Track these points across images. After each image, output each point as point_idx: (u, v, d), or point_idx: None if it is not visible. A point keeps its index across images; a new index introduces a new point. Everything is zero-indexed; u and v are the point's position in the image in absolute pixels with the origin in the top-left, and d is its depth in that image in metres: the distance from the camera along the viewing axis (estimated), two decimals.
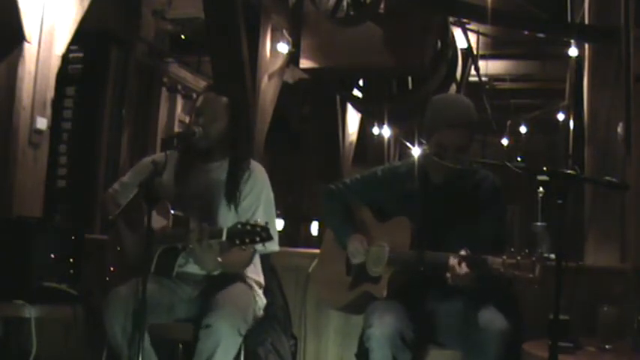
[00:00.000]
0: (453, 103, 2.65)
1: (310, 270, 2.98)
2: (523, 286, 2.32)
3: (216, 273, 2.66)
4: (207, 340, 2.44)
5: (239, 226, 2.41)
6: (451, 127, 2.53)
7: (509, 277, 2.26)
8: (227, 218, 2.71)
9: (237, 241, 2.40)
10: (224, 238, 2.44)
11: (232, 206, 2.73)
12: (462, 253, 2.36)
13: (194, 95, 9.25)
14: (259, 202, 2.76)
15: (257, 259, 2.84)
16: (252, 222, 2.41)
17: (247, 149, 2.88)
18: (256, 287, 2.79)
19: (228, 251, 2.55)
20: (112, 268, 2.78)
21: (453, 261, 2.35)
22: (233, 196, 2.73)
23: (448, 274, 2.36)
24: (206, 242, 2.49)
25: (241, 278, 2.74)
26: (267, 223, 2.42)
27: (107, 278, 2.74)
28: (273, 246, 2.69)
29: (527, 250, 2.24)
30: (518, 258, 2.24)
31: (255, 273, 2.82)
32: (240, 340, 2.51)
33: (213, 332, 2.43)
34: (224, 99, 2.78)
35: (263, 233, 2.39)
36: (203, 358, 2.44)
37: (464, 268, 2.34)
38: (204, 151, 2.77)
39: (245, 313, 2.58)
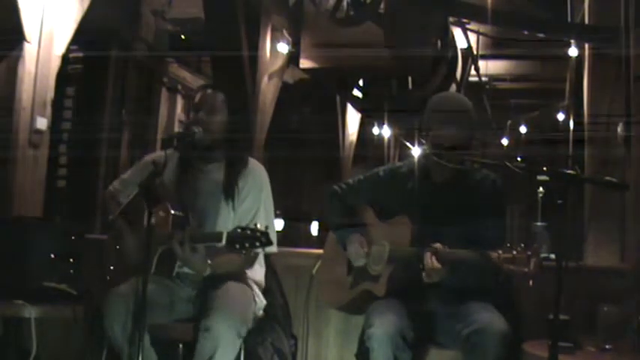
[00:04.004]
0: (449, 101, 2.66)
1: (314, 271, 2.98)
2: (518, 281, 2.33)
3: (205, 274, 2.63)
4: (206, 343, 2.43)
5: (239, 230, 2.41)
6: (446, 124, 2.53)
7: (505, 271, 2.28)
8: (227, 219, 2.70)
9: (237, 246, 2.40)
10: (224, 242, 2.43)
11: (231, 205, 2.72)
12: (434, 247, 2.40)
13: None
14: (259, 203, 2.75)
15: (261, 260, 2.84)
16: (252, 226, 2.41)
17: (246, 147, 2.87)
18: (256, 288, 2.78)
19: (220, 253, 2.55)
20: (112, 268, 2.78)
21: (426, 256, 2.39)
22: (231, 193, 2.72)
23: (422, 271, 2.41)
24: (188, 246, 2.50)
25: (241, 278, 2.74)
26: (267, 227, 2.42)
27: (108, 278, 2.73)
28: (272, 248, 2.69)
29: (522, 245, 2.25)
30: (514, 253, 2.25)
31: (256, 273, 2.81)
32: (239, 342, 2.50)
33: (213, 335, 2.42)
34: (221, 96, 2.78)
35: (263, 238, 2.39)
36: None
37: (434, 263, 2.37)
38: (205, 151, 2.77)
39: (244, 314, 2.57)
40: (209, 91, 2.82)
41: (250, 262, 2.73)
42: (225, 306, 2.51)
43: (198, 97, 2.80)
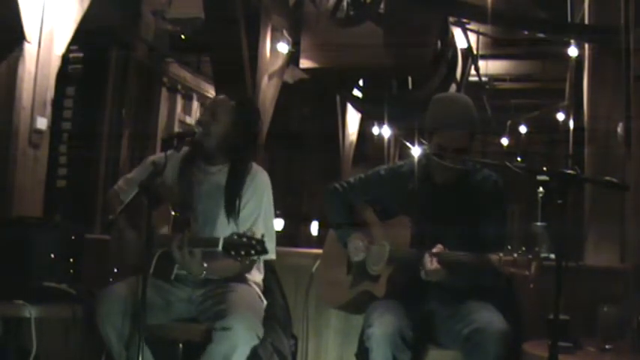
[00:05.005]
0: (452, 105, 2.64)
1: (314, 270, 2.98)
2: (519, 284, 2.33)
3: (201, 278, 2.62)
4: (223, 343, 2.41)
5: (235, 237, 2.41)
6: (449, 128, 2.53)
7: (506, 274, 2.28)
8: (227, 223, 2.70)
9: (233, 252, 2.40)
10: (220, 248, 2.43)
11: (232, 209, 2.71)
12: (435, 249, 2.41)
13: (194, 95, 9.26)
14: (260, 210, 2.74)
15: (260, 266, 2.83)
16: (248, 234, 2.40)
17: (249, 153, 2.86)
18: (257, 289, 2.78)
19: (218, 258, 2.54)
20: (113, 269, 2.78)
21: (426, 257, 2.41)
22: (233, 198, 2.72)
23: (421, 269, 2.42)
24: (186, 250, 2.50)
25: (243, 280, 2.73)
26: (263, 235, 2.41)
27: (111, 279, 2.73)
28: (269, 256, 2.68)
29: (523, 248, 2.25)
30: (515, 256, 2.25)
31: (255, 277, 2.81)
32: (256, 343, 2.48)
33: (232, 336, 2.40)
34: (230, 101, 2.79)
35: (258, 247, 2.39)
36: None
37: (434, 264, 2.38)
38: (207, 152, 2.76)
39: (260, 315, 2.58)
40: (220, 96, 2.85)
41: (248, 269, 2.73)
42: (242, 307, 2.50)
43: (209, 101, 2.85)
